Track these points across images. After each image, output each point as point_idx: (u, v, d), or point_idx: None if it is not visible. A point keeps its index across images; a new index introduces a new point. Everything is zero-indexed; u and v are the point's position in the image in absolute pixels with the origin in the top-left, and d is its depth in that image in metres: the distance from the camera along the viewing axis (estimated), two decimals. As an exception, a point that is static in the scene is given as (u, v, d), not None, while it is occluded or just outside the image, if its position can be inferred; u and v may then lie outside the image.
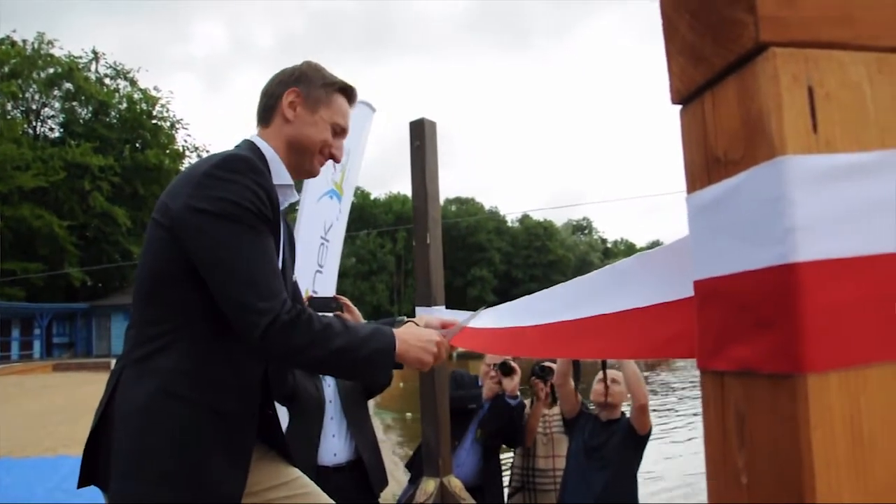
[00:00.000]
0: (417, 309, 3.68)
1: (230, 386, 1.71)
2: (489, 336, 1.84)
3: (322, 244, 5.14)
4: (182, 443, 1.62)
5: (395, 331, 1.74)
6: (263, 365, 1.84)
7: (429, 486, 3.43)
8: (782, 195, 0.53)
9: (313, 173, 1.95)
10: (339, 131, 1.91)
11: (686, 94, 0.67)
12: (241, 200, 1.58)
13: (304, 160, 1.89)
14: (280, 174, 1.83)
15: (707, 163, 0.63)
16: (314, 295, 4.78)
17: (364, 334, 1.68)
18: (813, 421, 0.51)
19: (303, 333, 1.60)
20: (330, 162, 2.02)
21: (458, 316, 2.77)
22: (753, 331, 0.56)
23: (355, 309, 3.78)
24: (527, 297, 1.62)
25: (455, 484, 3.48)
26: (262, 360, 1.82)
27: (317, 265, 5.13)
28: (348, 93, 1.92)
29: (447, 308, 3.62)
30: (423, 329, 1.82)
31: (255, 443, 1.80)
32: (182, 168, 41.11)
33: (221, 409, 1.68)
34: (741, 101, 0.58)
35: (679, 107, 0.69)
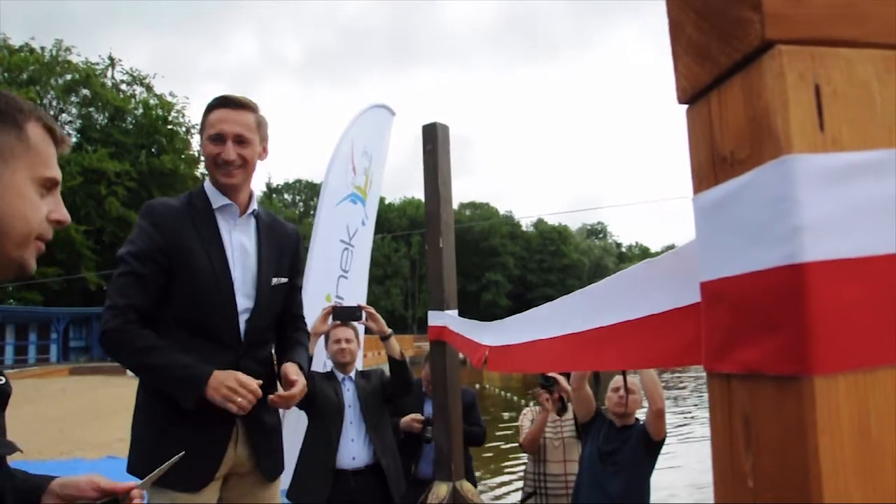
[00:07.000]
0: (430, 313, 3.68)
1: None
2: (510, 353, 1.79)
3: (345, 249, 5.09)
4: (154, 426, 2.19)
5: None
6: (224, 362, 2.18)
7: (441, 490, 3.42)
8: (789, 194, 0.52)
9: (221, 186, 2.27)
10: (215, 136, 2.22)
11: (692, 94, 0.66)
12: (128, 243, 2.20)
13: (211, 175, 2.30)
14: (216, 198, 2.26)
15: (713, 162, 0.63)
16: (338, 303, 4.77)
17: (180, 359, 2.09)
18: (820, 424, 0.50)
19: (120, 342, 2.09)
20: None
21: (468, 324, 2.75)
22: (760, 332, 0.55)
23: (380, 317, 3.79)
24: (540, 307, 1.58)
25: (468, 488, 3.47)
26: (223, 359, 2.19)
27: (340, 270, 5.10)
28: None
29: (460, 314, 3.60)
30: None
31: (231, 423, 2.23)
32: (197, 173, 41.49)
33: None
34: (747, 99, 0.58)
35: (685, 107, 0.68)
